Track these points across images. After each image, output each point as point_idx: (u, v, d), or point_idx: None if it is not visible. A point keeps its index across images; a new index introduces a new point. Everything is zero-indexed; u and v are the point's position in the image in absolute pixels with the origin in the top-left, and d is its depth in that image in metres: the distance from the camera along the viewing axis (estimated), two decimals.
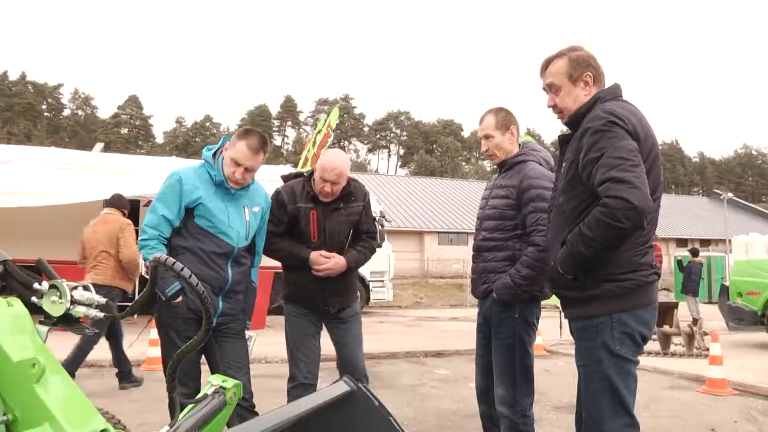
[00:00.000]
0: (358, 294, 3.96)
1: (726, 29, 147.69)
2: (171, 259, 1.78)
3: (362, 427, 2.18)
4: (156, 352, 8.11)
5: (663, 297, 11.48)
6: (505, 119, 3.41)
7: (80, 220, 7.28)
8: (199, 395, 1.95)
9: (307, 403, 2.05)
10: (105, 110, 78.86)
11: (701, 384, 7.06)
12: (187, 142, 72.09)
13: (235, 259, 3.25)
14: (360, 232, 3.79)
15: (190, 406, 1.92)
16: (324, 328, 3.80)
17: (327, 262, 3.56)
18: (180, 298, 3.09)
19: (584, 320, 2.50)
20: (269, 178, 15.06)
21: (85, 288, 2.16)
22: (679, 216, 45.31)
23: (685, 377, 7.65)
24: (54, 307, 2.11)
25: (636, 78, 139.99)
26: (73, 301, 2.10)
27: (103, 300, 2.10)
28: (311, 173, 3.68)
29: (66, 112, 71.57)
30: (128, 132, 72.71)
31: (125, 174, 13.74)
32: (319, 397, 2.11)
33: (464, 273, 26.26)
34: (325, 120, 14.87)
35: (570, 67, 2.60)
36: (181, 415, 1.88)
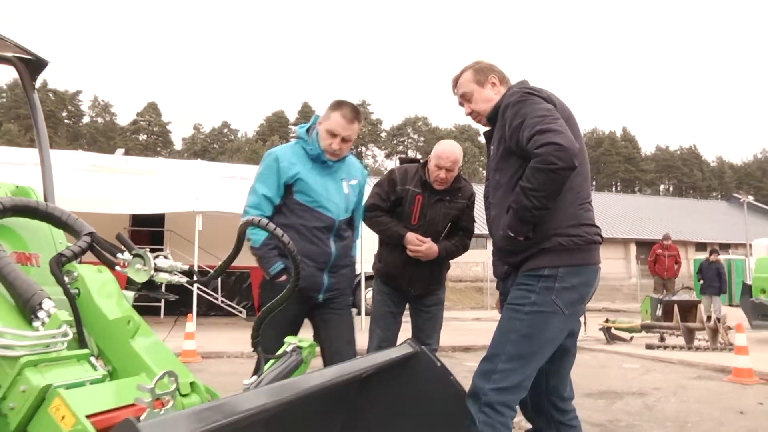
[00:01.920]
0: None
1: (744, 33, 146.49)
2: (260, 219, 1.96)
3: (426, 384, 2.34)
4: (191, 345, 8.33)
5: (685, 295, 11.49)
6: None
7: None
8: (279, 352, 2.13)
9: (373, 360, 2.20)
10: (124, 117, 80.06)
11: (727, 374, 7.17)
12: (205, 148, 72.74)
13: (336, 233, 3.28)
14: (457, 228, 3.92)
15: (271, 362, 2.09)
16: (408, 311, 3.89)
17: (421, 245, 3.67)
18: (284, 277, 3.13)
19: (531, 270, 2.54)
20: None
21: (165, 257, 2.35)
22: (697, 220, 45.04)
23: (711, 368, 7.76)
24: (138, 274, 2.29)
25: (652, 83, 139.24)
26: (156, 269, 2.28)
27: (185, 267, 2.28)
28: (426, 161, 3.85)
29: (85, 119, 72.59)
30: (147, 138, 73.54)
31: (152, 176, 14.02)
32: (384, 356, 2.27)
33: (484, 276, 26.29)
34: None
35: (475, 74, 2.84)
36: (265, 368, 2.05)
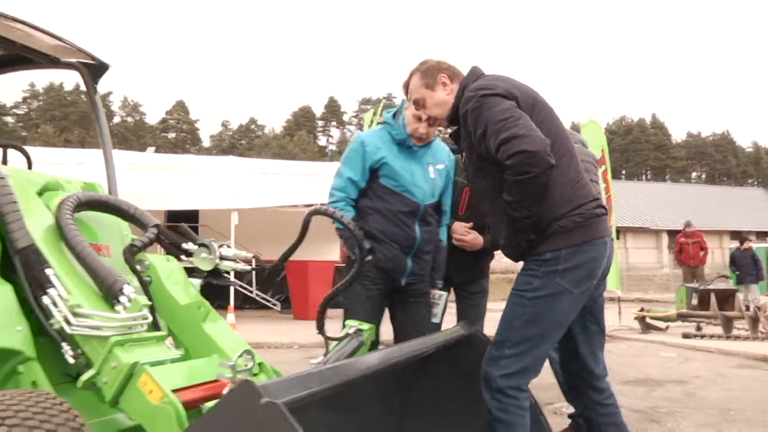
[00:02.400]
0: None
1: None
2: (326, 207, 2.09)
3: (478, 365, 2.45)
4: None
5: (722, 284, 11.39)
6: None
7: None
8: (341, 334, 2.27)
9: (430, 341, 2.32)
10: (153, 116, 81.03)
11: None
12: (233, 144, 73.50)
13: (422, 217, 3.28)
14: None
15: (335, 343, 2.23)
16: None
17: (466, 235, 3.69)
18: (370, 257, 3.10)
19: (534, 256, 2.51)
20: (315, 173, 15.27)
21: (228, 246, 2.49)
22: (732, 208, 44.16)
23: (752, 357, 7.74)
24: (204, 262, 2.44)
25: (683, 68, 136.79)
26: (221, 257, 2.43)
27: (249, 254, 2.43)
28: None
29: (116, 119, 73.75)
30: (176, 136, 74.58)
31: (186, 172, 14.30)
32: (439, 338, 2.38)
33: (515, 268, 26.21)
34: (373, 114, 15.26)
35: (422, 78, 2.78)
36: (330, 348, 2.19)
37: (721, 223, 40.83)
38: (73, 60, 3.29)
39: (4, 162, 2.95)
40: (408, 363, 2.16)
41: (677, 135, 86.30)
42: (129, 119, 74.41)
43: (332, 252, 12.59)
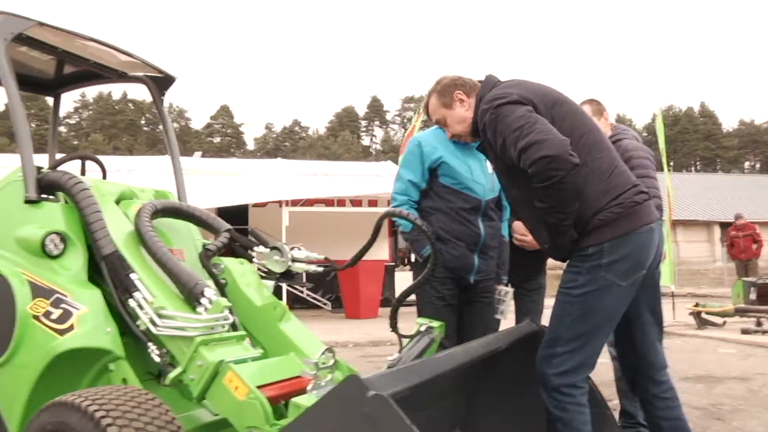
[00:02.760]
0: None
1: None
2: (400, 210, 2.17)
3: None
4: None
5: None
6: (598, 107, 3.65)
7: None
8: (413, 332, 2.35)
9: (500, 338, 2.37)
10: (198, 121, 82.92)
11: None
12: (277, 146, 74.49)
13: (484, 213, 3.29)
14: None
15: (407, 341, 2.31)
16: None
17: (527, 235, 3.61)
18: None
19: (578, 251, 2.48)
20: (374, 173, 15.38)
21: (299, 248, 2.60)
22: None
23: None
24: (277, 264, 2.55)
25: (733, 53, 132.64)
26: (294, 259, 2.53)
27: (321, 256, 2.53)
28: None
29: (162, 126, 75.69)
30: (221, 140, 76.00)
31: (235, 176, 14.61)
32: (508, 335, 2.44)
33: (562, 265, 25.86)
34: (418, 113, 15.34)
35: (439, 98, 2.80)
36: (404, 346, 2.28)
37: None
38: (141, 74, 3.45)
39: (83, 173, 3.11)
40: (476, 361, 2.23)
41: (728, 123, 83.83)
42: (175, 125, 75.92)
43: (382, 251, 12.70)
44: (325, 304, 14.17)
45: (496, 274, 3.44)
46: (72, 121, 70.04)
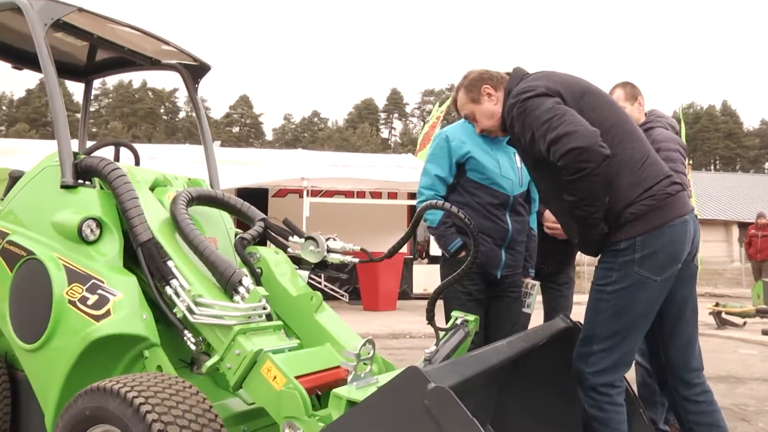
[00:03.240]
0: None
1: None
2: (437, 201, 2.15)
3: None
4: None
5: None
6: (632, 91, 3.58)
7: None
8: (448, 325, 2.33)
9: (539, 333, 2.35)
10: (217, 111, 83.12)
11: None
12: (296, 137, 74.62)
13: (512, 208, 3.27)
14: None
15: (442, 334, 2.30)
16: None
17: (557, 223, 3.58)
18: (463, 253, 3.15)
19: (609, 246, 2.44)
20: (400, 164, 15.35)
21: (335, 239, 2.58)
22: None
23: None
24: (312, 255, 2.53)
25: (756, 51, 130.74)
26: (329, 250, 2.51)
27: (357, 247, 2.51)
28: None
29: (181, 115, 75.99)
30: (240, 130, 76.27)
31: (256, 165, 14.63)
32: (542, 331, 2.41)
33: (580, 261, 25.74)
34: (439, 107, 15.28)
35: (467, 93, 2.75)
36: (440, 339, 2.26)
37: None
38: (174, 61, 3.45)
39: (117, 159, 3.12)
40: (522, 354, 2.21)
41: (750, 123, 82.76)
42: (194, 114, 76.39)
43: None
44: (342, 295, 14.18)
45: (523, 267, 3.41)
46: (92, 109, 70.57)
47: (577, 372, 2.43)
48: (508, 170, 3.27)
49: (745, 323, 10.37)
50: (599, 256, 2.51)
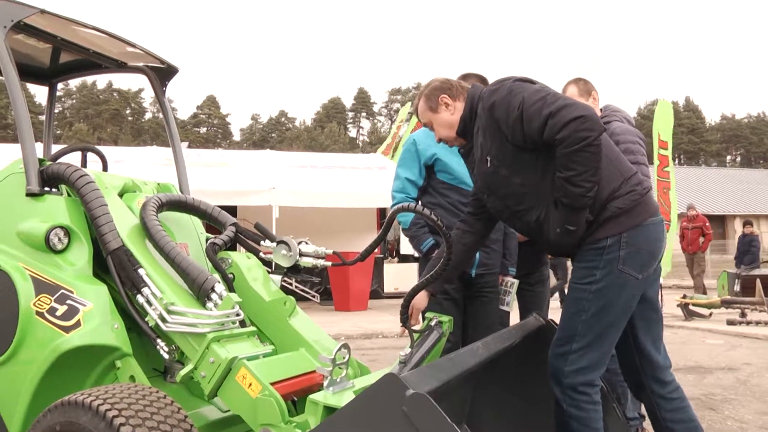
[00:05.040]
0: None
1: None
2: (409, 204, 2.16)
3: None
4: None
5: (766, 270, 11.23)
6: (586, 86, 3.53)
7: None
8: (423, 326, 2.33)
9: (508, 336, 2.37)
10: (184, 111, 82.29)
11: None
12: (264, 137, 74.10)
13: None
14: None
15: (417, 335, 2.30)
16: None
17: None
18: (436, 252, 3.02)
19: (591, 243, 2.42)
20: (367, 165, 15.22)
21: (307, 243, 2.57)
22: None
23: None
24: (284, 259, 2.51)
25: (716, 48, 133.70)
26: (301, 254, 2.50)
27: (330, 251, 2.50)
28: None
29: (147, 116, 74.91)
30: (207, 131, 75.47)
31: (224, 167, 14.48)
32: (518, 330, 2.43)
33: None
34: (410, 108, 15.29)
35: (426, 102, 2.72)
36: (415, 341, 2.27)
37: (757, 206, 39.96)
38: (140, 64, 3.39)
39: (84, 165, 3.05)
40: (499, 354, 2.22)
41: (711, 117, 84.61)
42: (160, 115, 75.04)
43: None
44: (313, 296, 14.13)
45: (502, 265, 3.42)
46: (55, 111, 69.20)
47: (555, 370, 2.42)
48: None
49: (711, 314, 10.62)
50: (575, 255, 2.48)
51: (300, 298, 14.17)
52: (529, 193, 2.46)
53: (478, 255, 3.22)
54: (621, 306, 2.41)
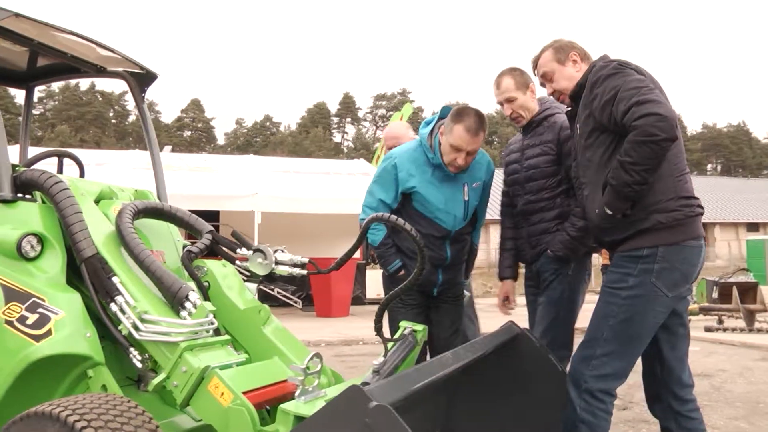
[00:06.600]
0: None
1: None
2: (383, 214, 2.17)
3: (526, 365, 2.51)
4: None
5: (742, 277, 11.35)
6: (523, 78, 3.26)
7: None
8: (396, 336, 2.35)
9: (480, 346, 2.38)
10: (168, 115, 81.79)
11: None
12: (248, 142, 73.82)
13: (453, 239, 3.27)
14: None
15: (390, 344, 2.31)
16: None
17: None
18: (402, 273, 3.19)
19: (629, 251, 2.48)
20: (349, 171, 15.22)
21: (283, 251, 2.57)
22: (748, 200, 43.85)
23: None
24: (260, 267, 2.51)
25: (698, 58, 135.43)
26: (277, 262, 2.50)
27: (305, 259, 2.50)
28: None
29: (131, 119, 74.33)
30: (191, 135, 75.02)
31: (207, 172, 14.41)
32: (491, 339, 2.45)
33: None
34: (399, 114, 15.32)
35: (555, 53, 2.80)
36: (388, 350, 2.27)
37: (736, 214, 40.52)
38: (120, 69, 3.38)
39: (60, 171, 3.03)
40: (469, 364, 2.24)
41: (693, 127, 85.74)
42: (149, 116, 74.80)
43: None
44: (295, 302, 14.08)
45: (462, 276, 3.47)
46: (36, 112, 68.45)
47: (576, 373, 2.43)
48: (453, 205, 3.23)
49: (689, 321, 10.72)
50: (612, 259, 2.55)
51: (282, 304, 14.13)
52: (591, 168, 2.59)
53: (439, 278, 3.28)
54: (648, 320, 2.44)
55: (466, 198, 3.25)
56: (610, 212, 2.45)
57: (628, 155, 2.35)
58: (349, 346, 8.37)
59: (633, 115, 2.33)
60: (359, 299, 13.54)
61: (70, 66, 3.35)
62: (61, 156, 3.16)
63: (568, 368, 2.76)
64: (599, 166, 2.54)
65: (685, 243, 2.45)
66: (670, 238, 2.42)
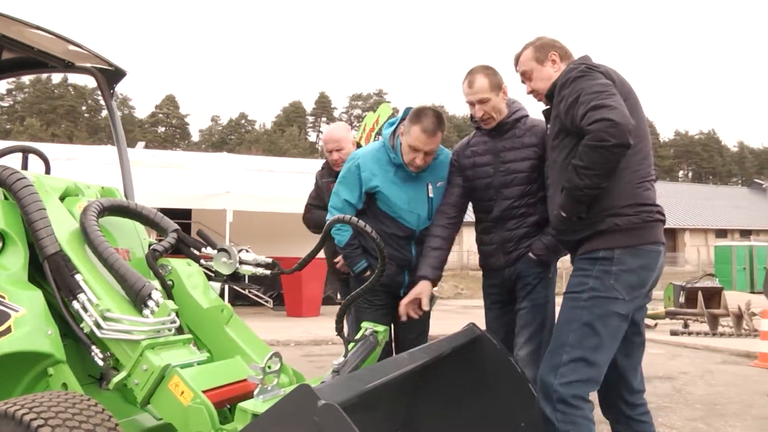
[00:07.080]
0: None
1: (764, 14, 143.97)
2: (348, 216, 2.20)
3: (486, 367, 2.56)
4: None
5: (708, 282, 11.62)
6: (496, 79, 3.15)
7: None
8: (358, 336, 2.38)
9: (438, 347, 2.42)
10: (142, 110, 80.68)
11: (752, 359, 7.36)
12: (223, 139, 73.30)
13: (417, 239, 3.27)
14: None
15: (351, 344, 2.34)
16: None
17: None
18: (368, 273, 3.20)
19: (586, 253, 2.50)
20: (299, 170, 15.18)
21: (247, 251, 2.58)
22: (718, 207, 44.78)
23: (737, 353, 7.97)
24: (224, 266, 2.52)
25: (671, 67, 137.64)
26: (241, 262, 2.51)
27: (269, 259, 2.52)
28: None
29: (104, 113, 73.25)
30: (165, 131, 74.25)
31: (179, 169, 14.30)
32: (450, 341, 2.49)
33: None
34: (375, 114, 15.32)
35: (535, 51, 2.78)
36: (349, 350, 2.30)
37: (706, 221, 41.33)
38: (88, 65, 3.36)
39: (25, 167, 3.00)
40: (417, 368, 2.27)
41: (665, 134, 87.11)
42: (118, 113, 73.85)
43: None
44: (266, 301, 14.04)
45: None
46: (5, 104, 67.12)
47: (545, 386, 2.38)
48: (416, 204, 3.25)
49: (656, 324, 10.93)
50: (574, 264, 2.56)
51: (253, 303, 14.07)
52: (555, 170, 2.64)
53: (406, 279, 3.28)
54: (612, 322, 2.41)
55: (431, 196, 3.27)
56: (565, 215, 2.49)
57: (580, 159, 2.37)
58: (318, 346, 8.39)
59: (588, 119, 2.34)
60: (330, 299, 13.55)
61: (37, 60, 3.32)
62: (26, 152, 3.13)
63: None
64: (561, 168, 2.55)
65: (641, 247, 2.46)
66: (626, 240, 2.43)
